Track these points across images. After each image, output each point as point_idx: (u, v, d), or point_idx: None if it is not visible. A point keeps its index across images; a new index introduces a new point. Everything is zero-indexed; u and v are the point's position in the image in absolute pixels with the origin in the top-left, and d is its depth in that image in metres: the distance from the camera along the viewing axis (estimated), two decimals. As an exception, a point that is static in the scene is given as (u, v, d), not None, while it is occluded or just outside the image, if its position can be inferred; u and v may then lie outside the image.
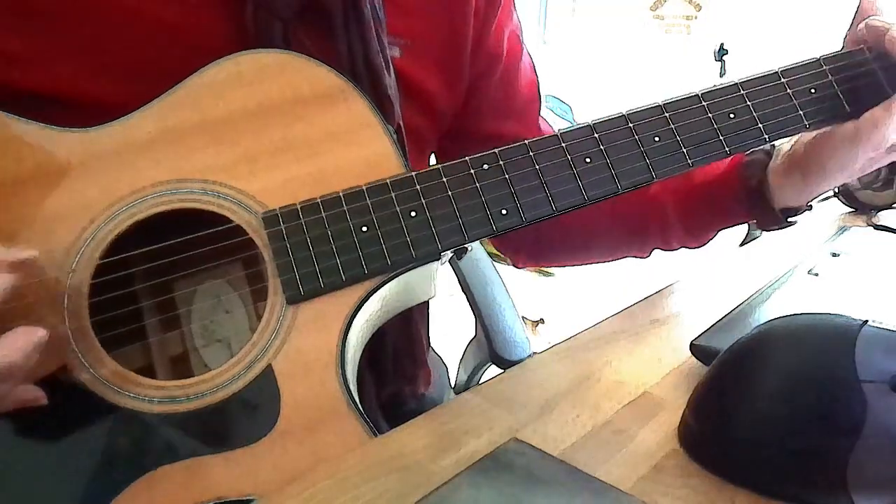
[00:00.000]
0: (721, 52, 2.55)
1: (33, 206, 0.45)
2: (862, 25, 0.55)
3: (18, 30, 0.47)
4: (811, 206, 0.61)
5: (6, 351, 0.38)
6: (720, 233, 0.68)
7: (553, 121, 0.62)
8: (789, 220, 0.61)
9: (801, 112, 0.54)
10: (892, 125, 0.52)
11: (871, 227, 0.84)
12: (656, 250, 0.71)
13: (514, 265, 0.80)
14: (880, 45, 0.53)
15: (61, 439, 0.43)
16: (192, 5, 0.50)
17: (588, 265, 0.77)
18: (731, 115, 0.53)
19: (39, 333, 0.39)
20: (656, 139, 0.52)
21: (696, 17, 3.03)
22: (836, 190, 0.93)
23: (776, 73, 0.55)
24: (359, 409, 0.45)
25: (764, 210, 0.61)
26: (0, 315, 0.39)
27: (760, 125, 0.54)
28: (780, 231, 0.63)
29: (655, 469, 0.41)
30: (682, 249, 0.70)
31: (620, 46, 3.14)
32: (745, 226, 0.69)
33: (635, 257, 0.73)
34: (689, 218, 0.67)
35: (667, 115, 0.53)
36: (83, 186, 0.46)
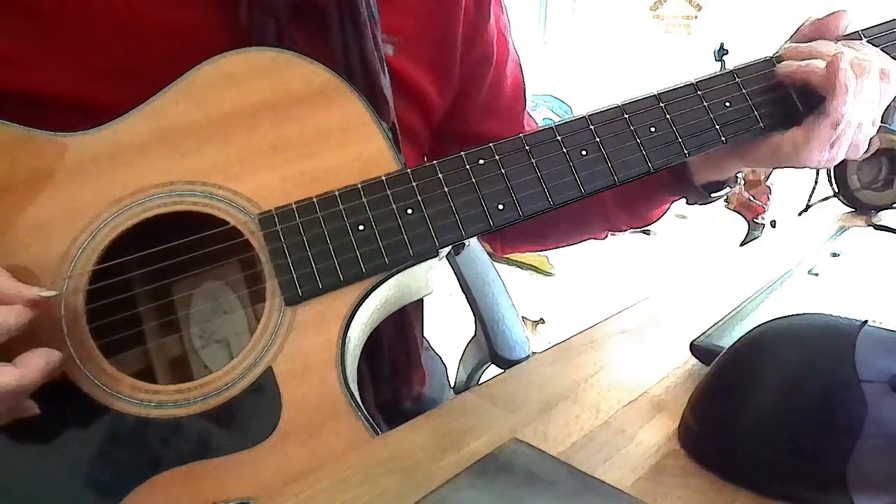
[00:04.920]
0: (721, 52, 2.55)
1: (27, 213, 0.45)
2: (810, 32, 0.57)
3: (12, 32, 0.47)
4: (736, 178, 0.64)
5: (26, 370, 0.39)
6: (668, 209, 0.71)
7: (553, 121, 0.62)
8: (713, 195, 0.64)
9: (797, 101, 0.54)
10: (814, 146, 0.53)
11: (871, 227, 0.84)
12: (610, 234, 0.75)
13: (492, 252, 0.83)
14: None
15: (63, 447, 0.43)
16: (186, 4, 0.50)
17: (549, 249, 0.82)
18: (727, 104, 0.53)
19: (57, 356, 0.40)
20: (652, 130, 0.52)
21: (696, 17, 3.04)
22: (836, 190, 0.93)
23: (771, 59, 0.55)
24: (360, 409, 0.45)
25: (689, 189, 0.64)
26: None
27: (756, 113, 0.54)
28: (776, 230, 0.64)
29: (655, 469, 0.41)
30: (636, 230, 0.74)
31: (620, 46, 3.14)
32: (746, 226, 0.70)
33: (593, 239, 0.77)
34: (626, 204, 0.69)
35: (662, 105, 0.53)
36: (77, 191, 0.46)
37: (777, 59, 0.55)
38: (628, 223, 0.72)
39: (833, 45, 0.54)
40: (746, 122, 0.54)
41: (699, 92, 0.53)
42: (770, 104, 0.54)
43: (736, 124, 0.53)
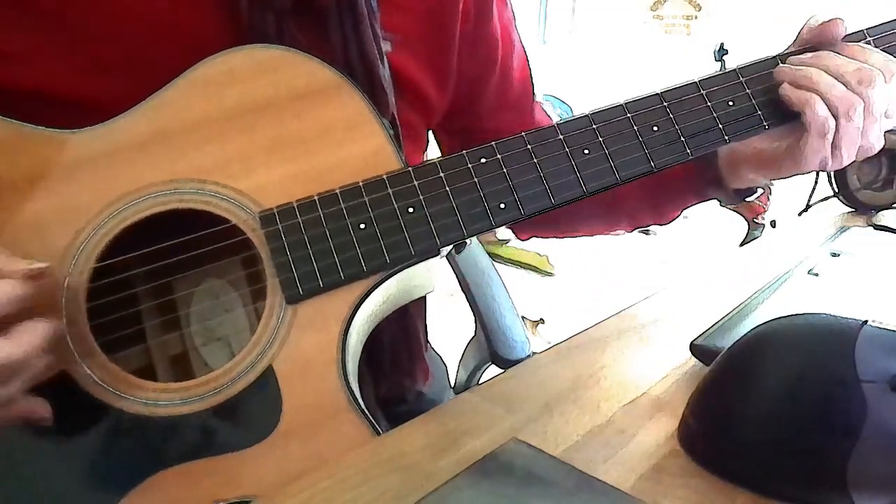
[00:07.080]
0: (721, 52, 2.55)
1: (28, 209, 0.45)
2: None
3: (11, 26, 0.47)
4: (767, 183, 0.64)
5: (10, 348, 0.38)
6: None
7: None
8: (747, 199, 0.64)
9: None
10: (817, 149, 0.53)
11: (871, 227, 0.84)
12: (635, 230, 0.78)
13: (516, 236, 0.84)
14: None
15: (63, 445, 0.43)
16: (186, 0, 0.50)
17: (572, 237, 0.84)
18: (731, 103, 0.53)
19: (43, 327, 0.39)
20: (655, 129, 0.52)
21: (696, 17, 3.04)
22: (836, 190, 0.93)
23: (775, 58, 0.55)
24: (361, 408, 0.45)
25: (722, 193, 0.64)
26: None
27: (759, 112, 0.53)
28: (776, 230, 0.64)
29: (655, 469, 0.41)
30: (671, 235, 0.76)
31: (620, 46, 3.15)
32: (746, 226, 0.70)
33: (621, 232, 0.79)
34: (654, 204, 0.71)
35: (665, 104, 0.52)
36: (78, 188, 0.46)
37: (781, 57, 0.55)
38: (654, 220, 0.74)
39: (830, 56, 0.54)
40: (750, 122, 0.53)
41: (702, 91, 0.53)
42: (774, 104, 0.53)
43: (739, 123, 0.53)
